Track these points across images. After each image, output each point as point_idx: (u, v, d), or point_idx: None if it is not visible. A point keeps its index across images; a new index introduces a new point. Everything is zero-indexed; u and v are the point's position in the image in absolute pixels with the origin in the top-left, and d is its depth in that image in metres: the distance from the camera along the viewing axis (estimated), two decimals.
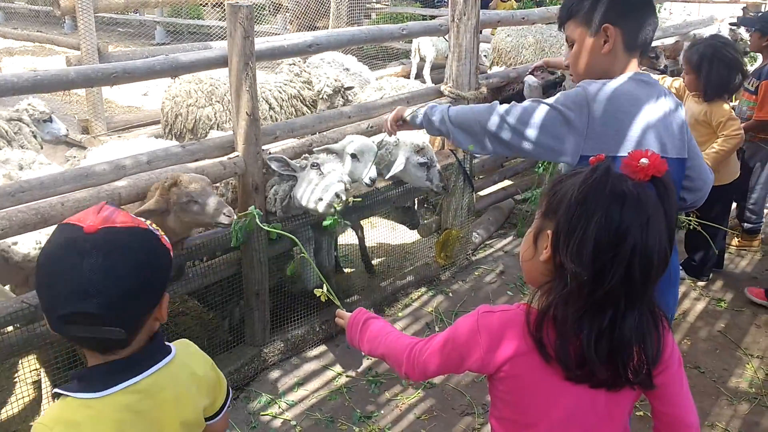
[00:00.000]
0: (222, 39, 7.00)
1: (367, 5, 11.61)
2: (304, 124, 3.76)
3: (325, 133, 3.76)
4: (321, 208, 3.21)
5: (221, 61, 3.25)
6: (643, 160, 1.42)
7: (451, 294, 4.45)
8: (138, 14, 14.74)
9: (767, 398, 3.42)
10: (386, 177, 3.90)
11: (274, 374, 3.57)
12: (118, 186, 2.84)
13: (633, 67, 2.12)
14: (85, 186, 2.82)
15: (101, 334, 1.30)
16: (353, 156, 3.57)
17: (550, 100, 2.09)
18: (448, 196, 4.59)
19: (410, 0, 13.98)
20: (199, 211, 2.86)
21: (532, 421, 1.50)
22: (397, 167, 3.83)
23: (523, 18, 5.44)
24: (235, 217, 2.95)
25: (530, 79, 4.76)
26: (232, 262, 3.42)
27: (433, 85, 5.30)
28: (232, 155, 3.28)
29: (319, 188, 3.22)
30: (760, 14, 6.01)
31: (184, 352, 1.50)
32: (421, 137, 3.97)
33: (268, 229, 2.98)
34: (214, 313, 3.81)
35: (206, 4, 8.23)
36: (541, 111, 2.08)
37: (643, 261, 1.35)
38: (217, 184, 3.47)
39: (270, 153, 3.40)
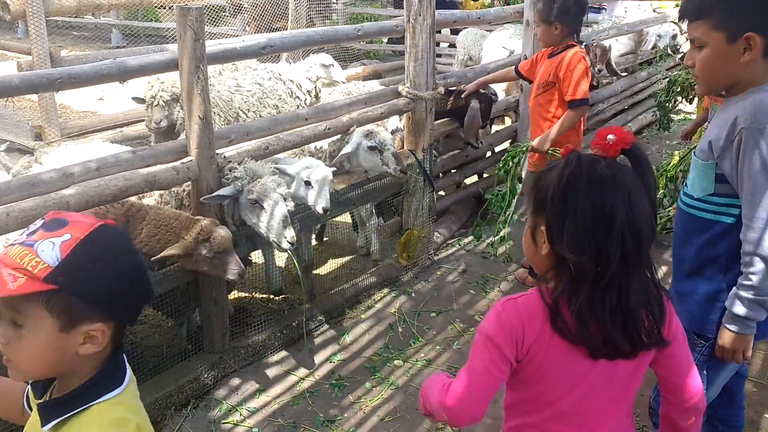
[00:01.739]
0: None
1: (332, 5, 11.53)
2: (260, 126, 3.71)
3: (281, 135, 3.72)
4: (276, 244, 3.31)
5: (172, 65, 3.20)
6: (610, 137, 1.48)
7: (413, 294, 4.45)
8: (93, 17, 14.41)
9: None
10: (333, 162, 3.94)
11: (235, 381, 3.52)
12: (65, 194, 2.76)
13: None
14: (32, 195, 2.74)
15: None
16: (307, 183, 3.53)
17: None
18: (409, 196, 4.59)
19: (372, 0, 13.96)
20: (217, 265, 3.05)
21: (555, 398, 1.54)
22: (344, 150, 3.91)
23: (479, 18, 5.47)
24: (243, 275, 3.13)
25: (474, 106, 4.74)
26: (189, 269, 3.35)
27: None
28: (185, 160, 3.22)
29: (264, 226, 3.28)
30: None
31: None
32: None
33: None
34: (173, 322, 3.74)
35: (162, 6, 8.05)
36: None
37: (633, 233, 1.42)
38: (163, 192, 3.42)
39: (225, 156, 3.35)
